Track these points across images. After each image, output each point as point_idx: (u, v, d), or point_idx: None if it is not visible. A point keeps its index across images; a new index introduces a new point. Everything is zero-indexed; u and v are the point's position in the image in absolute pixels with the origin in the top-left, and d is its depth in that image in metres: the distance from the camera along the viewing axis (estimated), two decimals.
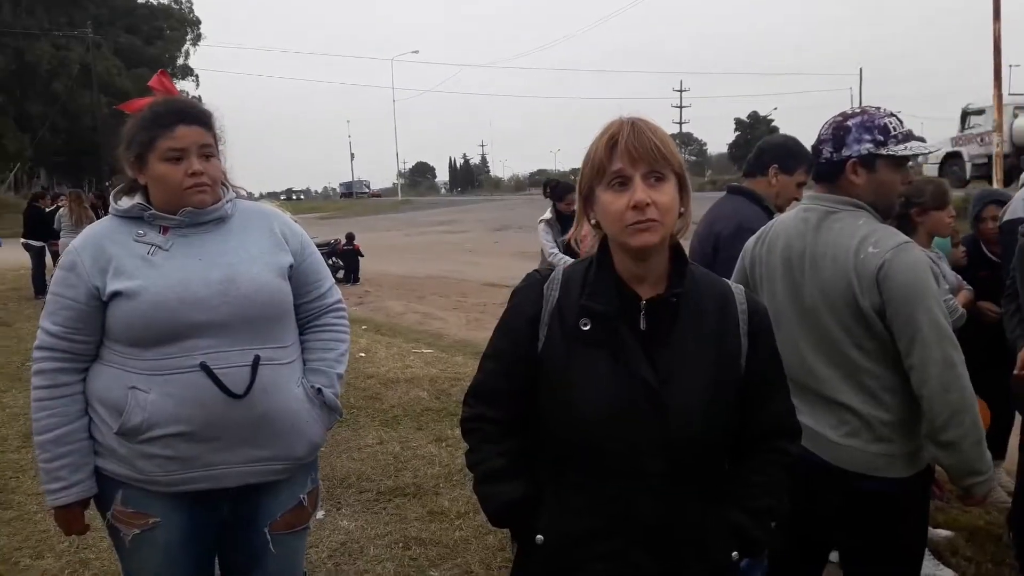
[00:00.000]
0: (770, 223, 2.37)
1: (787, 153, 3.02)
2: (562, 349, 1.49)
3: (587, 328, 1.47)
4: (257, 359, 1.89)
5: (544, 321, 1.53)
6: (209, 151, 1.92)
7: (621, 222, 1.42)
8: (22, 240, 12.56)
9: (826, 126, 2.13)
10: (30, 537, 3.73)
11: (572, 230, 1.60)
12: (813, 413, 2.10)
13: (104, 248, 1.89)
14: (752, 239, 2.37)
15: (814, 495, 2.07)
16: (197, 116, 1.92)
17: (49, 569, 3.44)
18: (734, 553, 1.52)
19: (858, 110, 2.14)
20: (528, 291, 1.58)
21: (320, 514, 3.92)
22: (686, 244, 1.58)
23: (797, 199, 2.98)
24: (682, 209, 1.47)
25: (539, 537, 1.52)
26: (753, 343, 1.53)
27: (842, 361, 2.06)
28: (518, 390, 1.55)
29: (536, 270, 1.63)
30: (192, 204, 1.90)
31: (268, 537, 2.01)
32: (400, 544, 3.64)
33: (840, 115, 2.13)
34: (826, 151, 2.11)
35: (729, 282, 1.59)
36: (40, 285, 11.74)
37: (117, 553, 2.02)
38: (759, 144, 3.17)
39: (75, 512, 1.93)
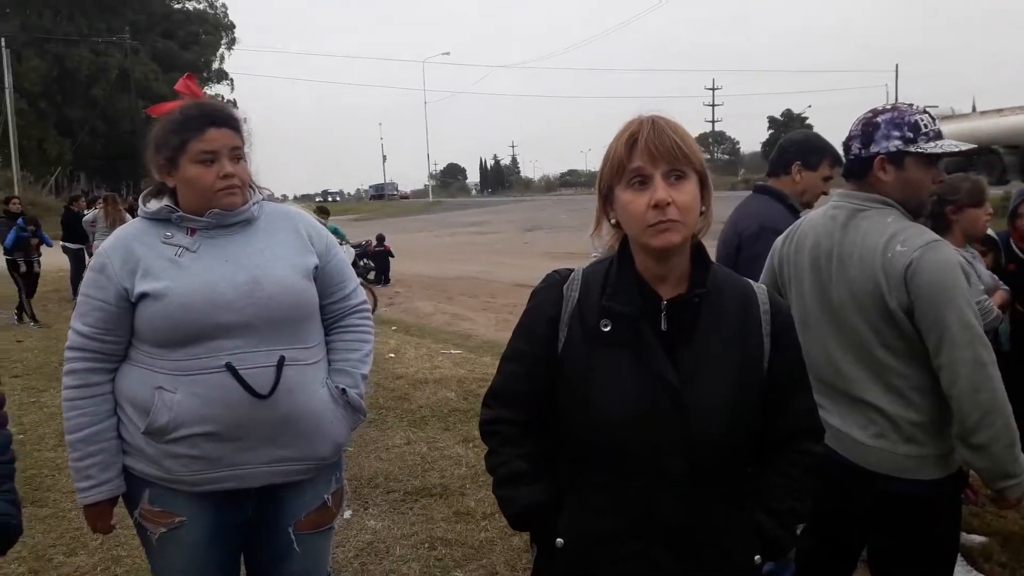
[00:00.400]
0: (798, 222, 2.34)
1: (809, 149, 2.99)
2: (582, 350, 1.48)
3: (608, 329, 1.46)
4: (282, 360, 1.90)
5: (564, 322, 1.51)
6: (239, 153, 1.95)
7: (642, 222, 1.40)
8: (61, 243, 12.82)
9: (856, 122, 2.11)
10: (64, 534, 3.81)
11: (592, 230, 1.58)
12: (840, 413, 2.07)
13: (133, 250, 1.92)
14: (780, 238, 2.35)
15: (846, 495, 2.05)
16: (226, 119, 1.94)
17: (82, 566, 3.51)
18: (757, 556, 1.50)
19: (889, 107, 2.11)
20: (547, 292, 1.57)
21: (347, 514, 3.95)
22: (710, 244, 1.57)
23: (825, 193, 2.94)
24: (703, 208, 1.45)
25: (559, 540, 1.51)
26: (776, 344, 1.51)
27: (870, 361, 2.03)
28: (538, 392, 1.54)
29: (556, 270, 1.61)
30: (222, 206, 1.92)
31: (292, 537, 2.02)
32: (426, 544, 3.65)
33: (871, 111, 2.11)
34: (855, 147, 2.09)
35: (752, 282, 1.57)
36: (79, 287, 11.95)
37: (145, 551, 2.04)
38: (779, 143, 3.15)
39: (104, 510, 1.96)
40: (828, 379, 2.09)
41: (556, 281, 1.57)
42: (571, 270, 1.59)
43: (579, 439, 1.50)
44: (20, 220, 11.07)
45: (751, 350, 1.48)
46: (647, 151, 1.39)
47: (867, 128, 2.07)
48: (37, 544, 3.70)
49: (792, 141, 3.08)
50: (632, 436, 1.43)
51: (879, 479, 2.02)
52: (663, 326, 1.46)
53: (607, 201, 1.49)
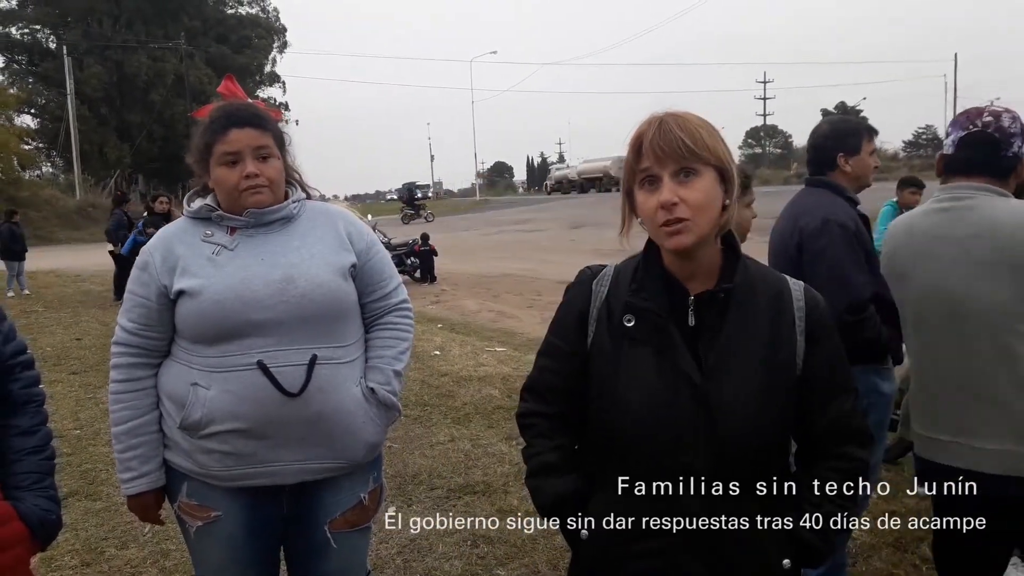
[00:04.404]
0: (897, 219, 2.33)
1: (843, 135, 2.89)
2: (609, 345, 1.49)
3: (631, 324, 1.46)
4: (314, 358, 1.90)
5: (593, 317, 1.53)
6: (265, 152, 1.95)
7: (654, 222, 1.41)
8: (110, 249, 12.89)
9: (1009, 119, 2.09)
10: (116, 528, 3.90)
11: (620, 230, 1.57)
12: (956, 412, 2.01)
13: (173, 248, 1.95)
14: (885, 236, 2.33)
15: (975, 504, 1.87)
16: (249, 119, 1.94)
17: (132, 559, 3.58)
18: (785, 561, 1.45)
19: (999, 105, 2.16)
20: (578, 287, 1.59)
21: (392, 511, 3.96)
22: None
23: (877, 167, 2.93)
24: (727, 201, 1.43)
25: (584, 532, 1.52)
26: (811, 341, 1.47)
27: (998, 350, 1.95)
28: (571, 385, 1.55)
29: (588, 266, 1.63)
30: (248, 205, 1.93)
31: (328, 535, 2.03)
32: (468, 542, 3.64)
33: (1002, 108, 2.13)
34: (1017, 144, 2.08)
35: (788, 278, 1.54)
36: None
37: (186, 543, 2.07)
38: (810, 145, 2.98)
39: (146, 501, 1.99)
40: (942, 377, 2.05)
41: (587, 276, 1.59)
42: (604, 266, 1.60)
43: (604, 434, 1.50)
44: (140, 225, 10.97)
45: (782, 347, 1.45)
46: (652, 152, 1.39)
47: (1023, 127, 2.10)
48: (90, 537, 3.80)
49: (823, 136, 2.93)
50: (653, 432, 1.42)
51: (1011, 483, 1.90)
52: (691, 322, 1.44)
53: (631, 200, 1.49)
